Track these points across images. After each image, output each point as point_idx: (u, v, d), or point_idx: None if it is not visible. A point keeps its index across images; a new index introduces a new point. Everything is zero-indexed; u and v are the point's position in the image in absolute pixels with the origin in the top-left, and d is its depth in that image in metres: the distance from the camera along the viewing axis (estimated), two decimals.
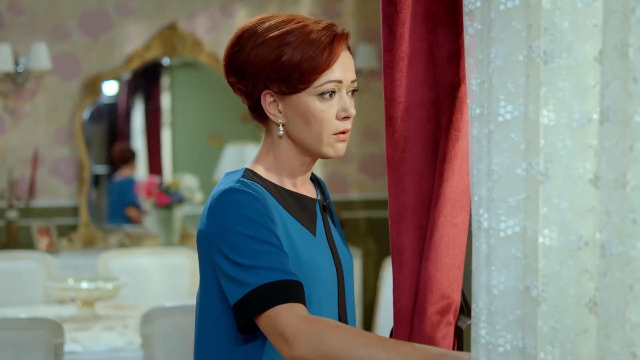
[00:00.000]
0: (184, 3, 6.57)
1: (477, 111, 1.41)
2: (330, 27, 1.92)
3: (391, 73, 1.82)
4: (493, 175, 1.36)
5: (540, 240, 1.28)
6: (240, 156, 6.64)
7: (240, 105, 2.06)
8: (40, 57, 6.04)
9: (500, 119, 1.35)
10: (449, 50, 1.78)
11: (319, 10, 6.68)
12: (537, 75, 1.30)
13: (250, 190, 1.87)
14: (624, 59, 1.17)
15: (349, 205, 6.75)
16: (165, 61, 6.88)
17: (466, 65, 1.44)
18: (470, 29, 1.43)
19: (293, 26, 1.90)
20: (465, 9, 1.44)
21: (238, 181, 1.90)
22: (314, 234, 1.97)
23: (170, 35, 6.56)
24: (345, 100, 1.92)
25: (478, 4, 1.40)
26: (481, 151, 1.39)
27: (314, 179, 2.12)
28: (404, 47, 1.80)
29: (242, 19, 6.39)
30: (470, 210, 1.50)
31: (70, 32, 6.36)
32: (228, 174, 1.98)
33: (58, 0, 6.32)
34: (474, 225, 1.39)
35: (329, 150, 1.93)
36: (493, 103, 1.36)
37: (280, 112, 1.93)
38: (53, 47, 6.24)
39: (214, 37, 6.59)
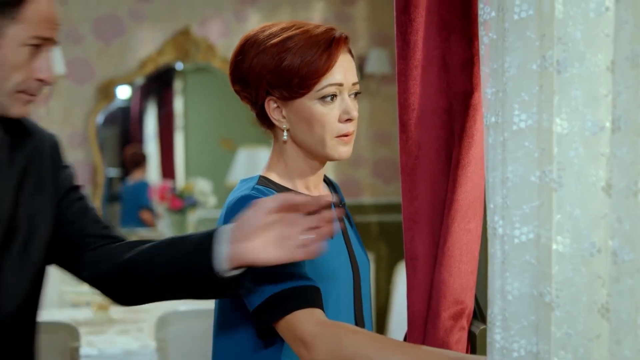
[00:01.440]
0: (197, 8, 6.59)
1: (492, 119, 1.42)
2: (328, 31, 1.94)
3: (405, 81, 1.84)
4: (508, 182, 1.38)
5: (554, 247, 1.29)
6: (252, 160, 6.65)
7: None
8: (55, 61, 6.05)
9: (515, 127, 1.37)
10: (462, 58, 1.79)
11: (332, 15, 6.70)
12: (550, 85, 1.31)
13: (264, 197, 1.90)
14: (635, 69, 1.18)
15: (361, 209, 6.76)
16: (179, 66, 6.90)
17: (481, 74, 1.46)
18: (486, 38, 1.45)
19: (293, 32, 1.93)
20: (480, 19, 1.46)
21: (253, 188, 1.93)
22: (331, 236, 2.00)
23: (183, 40, 6.59)
24: (347, 103, 1.94)
25: (493, 14, 1.42)
26: (496, 159, 1.40)
27: (328, 182, 2.14)
28: (418, 55, 1.82)
29: (255, 24, 6.41)
30: (485, 216, 1.52)
31: (84, 37, 6.39)
32: (243, 181, 2.01)
33: (72, 5, 6.35)
34: (489, 232, 1.40)
35: (332, 153, 1.95)
36: (507, 112, 1.37)
37: (284, 117, 1.96)
38: (67, 52, 6.26)
39: (227, 42, 6.61)
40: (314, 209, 1.72)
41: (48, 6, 1.83)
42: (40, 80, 1.83)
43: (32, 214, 1.90)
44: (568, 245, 1.29)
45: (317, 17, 6.68)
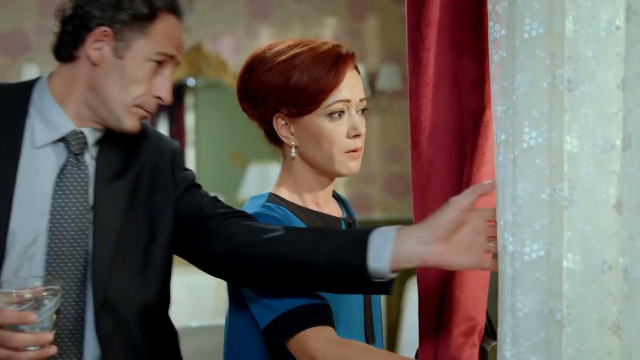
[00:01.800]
0: (209, 24, 6.63)
1: (502, 137, 1.43)
2: (335, 48, 1.96)
3: (417, 98, 1.85)
4: (518, 200, 1.38)
5: (565, 264, 1.30)
6: (263, 175, 6.66)
7: None
8: None
9: (525, 145, 1.38)
10: (473, 76, 1.80)
11: (343, 32, 6.72)
12: (561, 103, 1.32)
13: (275, 214, 1.91)
14: None
15: (372, 225, 6.75)
16: (190, 82, 6.93)
17: (492, 92, 1.47)
18: (496, 56, 1.46)
19: (300, 49, 1.94)
20: (490, 37, 1.47)
21: (263, 205, 1.94)
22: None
23: (195, 56, 6.61)
24: (354, 119, 1.95)
25: (503, 32, 1.43)
26: (506, 176, 1.41)
27: (338, 198, 2.15)
28: (430, 73, 1.83)
29: (267, 40, 6.40)
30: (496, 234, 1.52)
31: None
32: (252, 198, 2.02)
33: None
34: (499, 249, 1.41)
35: (341, 169, 1.97)
36: (517, 129, 1.38)
37: (292, 134, 1.97)
38: None
39: (239, 58, 6.63)
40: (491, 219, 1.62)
41: (175, 26, 1.88)
42: (158, 98, 1.87)
43: (152, 215, 1.91)
44: (579, 262, 1.30)
45: (328, 33, 6.70)
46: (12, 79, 6.13)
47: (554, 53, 1.34)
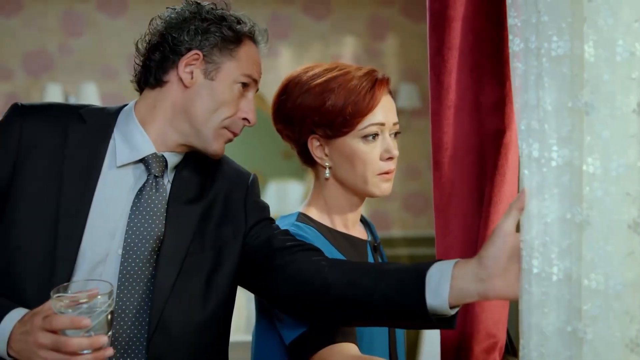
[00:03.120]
0: None
1: (527, 151, 1.43)
2: (371, 72, 2.00)
3: (438, 120, 1.88)
4: (546, 218, 1.39)
5: (585, 282, 1.32)
6: (282, 193, 6.69)
7: (282, 142, 2.15)
8: (90, 96, 6.15)
9: (554, 163, 1.38)
10: (493, 98, 1.83)
11: (362, 51, 6.76)
12: (580, 124, 1.34)
13: (304, 234, 1.95)
14: None
15: (391, 242, 6.77)
16: None
17: (515, 105, 1.47)
18: (519, 70, 1.45)
19: (336, 73, 1.99)
20: (511, 51, 1.46)
21: (293, 224, 1.98)
22: None
23: None
24: (388, 142, 1.99)
25: (522, 45, 1.43)
26: (531, 192, 1.41)
27: (363, 221, 2.18)
28: (451, 96, 1.86)
29: (286, 59, 6.48)
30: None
31: (118, 73, 6.48)
32: (283, 217, 2.06)
33: (106, 41, 6.45)
34: (523, 266, 1.42)
35: (374, 190, 2.00)
36: (545, 147, 1.39)
37: (326, 155, 2.01)
38: (102, 87, 6.36)
39: None
40: None
41: (256, 52, 1.96)
42: (244, 120, 1.92)
43: (219, 245, 1.94)
44: (602, 282, 1.32)
45: (347, 52, 6.75)
46: (35, 98, 6.20)
47: (576, 75, 1.35)
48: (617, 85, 1.32)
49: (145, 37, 1.95)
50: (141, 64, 1.95)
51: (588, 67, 1.33)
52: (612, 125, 1.32)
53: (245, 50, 1.92)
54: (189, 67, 1.89)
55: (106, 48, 6.45)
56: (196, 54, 1.88)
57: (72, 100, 6.21)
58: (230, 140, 1.95)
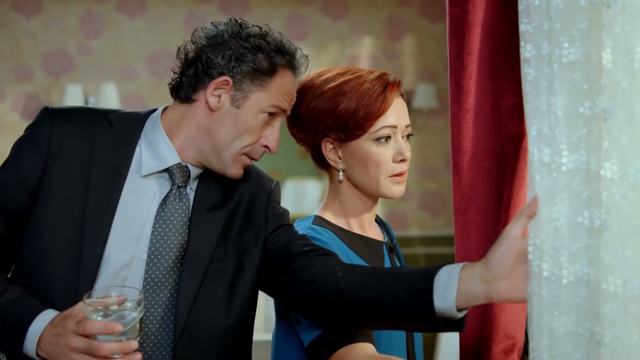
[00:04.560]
0: None
1: (537, 156, 1.45)
2: (382, 76, 2.02)
3: (458, 124, 1.89)
4: (556, 222, 1.41)
5: (604, 286, 1.34)
6: (299, 192, 6.71)
7: None
8: (109, 97, 6.19)
9: (564, 168, 1.40)
10: (512, 102, 1.84)
11: (379, 51, 6.78)
12: (599, 130, 1.35)
13: (321, 237, 1.98)
14: None
15: (408, 241, 6.79)
16: None
17: (525, 110, 1.48)
18: (529, 76, 1.47)
19: (348, 77, 2.01)
20: (522, 57, 1.48)
21: (309, 228, 2.00)
22: None
23: None
24: (400, 144, 2.02)
25: (534, 52, 1.45)
26: (541, 195, 1.43)
27: (380, 222, 2.20)
28: (470, 100, 1.87)
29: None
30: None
31: (137, 73, 6.52)
32: (300, 220, 2.09)
33: (126, 42, 6.49)
34: (532, 269, 1.42)
35: (386, 192, 2.03)
36: (555, 152, 1.40)
37: (340, 158, 2.04)
38: (121, 87, 6.40)
39: None
40: None
41: (291, 81, 1.95)
42: (265, 147, 1.94)
43: (240, 251, 1.96)
44: (620, 286, 1.33)
45: (365, 52, 6.76)
46: (55, 98, 6.24)
47: (593, 81, 1.36)
48: (635, 91, 1.34)
49: (185, 47, 1.95)
50: (177, 74, 1.96)
51: (606, 73, 1.34)
52: (630, 131, 1.34)
53: (278, 81, 1.91)
54: (218, 90, 1.90)
55: (125, 49, 6.49)
56: (226, 80, 1.89)
57: (92, 101, 6.26)
58: (249, 166, 1.97)
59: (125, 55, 6.50)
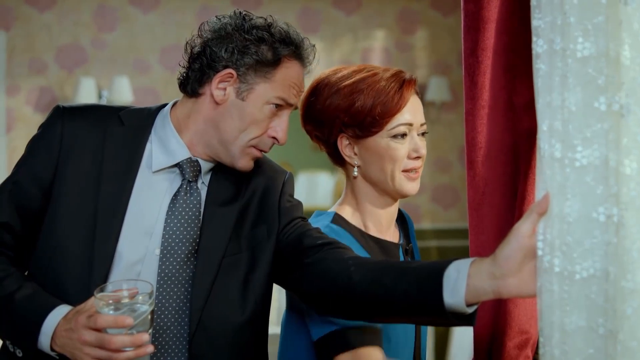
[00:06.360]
0: None
1: (549, 152, 1.44)
2: (398, 73, 2.03)
3: (472, 120, 1.90)
4: (568, 218, 1.40)
5: (622, 283, 1.34)
6: (312, 184, 6.72)
7: None
8: (123, 90, 6.21)
9: (577, 163, 1.39)
10: (526, 98, 1.85)
11: (392, 44, 6.77)
12: (617, 126, 1.35)
13: (337, 237, 1.98)
14: None
15: (420, 234, 6.79)
16: None
17: (537, 106, 1.46)
18: (541, 71, 1.46)
19: (364, 75, 2.02)
20: (534, 52, 1.47)
21: (327, 226, 2.01)
22: None
23: None
24: (416, 141, 2.03)
25: (545, 47, 1.44)
26: (552, 192, 1.43)
27: (400, 219, 2.20)
28: (485, 96, 1.88)
29: (317, 53, 6.49)
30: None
31: (150, 67, 6.54)
32: (318, 214, 2.09)
33: (139, 36, 6.51)
34: (541, 265, 1.42)
35: (401, 188, 2.03)
36: (568, 147, 1.40)
37: (355, 154, 2.04)
38: (134, 80, 6.41)
39: None
40: None
41: (297, 72, 1.95)
42: (273, 138, 1.94)
43: (254, 245, 1.97)
44: (638, 282, 1.34)
45: (377, 46, 6.76)
46: (68, 91, 6.26)
47: (609, 76, 1.36)
48: None
49: (191, 41, 1.97)
50: (185, 69, 1.97)
51: (624, 70, 1.34)
52: None
53: (283, 71, 1.92)
54: (223, 83, 1.91)
55: (138, 42, 6.51)
56: (230, 73, 1.90)
57: (105, 94, 6.28)
58: (258, 158, 1.97)
59: (139, 48, 6.51)
